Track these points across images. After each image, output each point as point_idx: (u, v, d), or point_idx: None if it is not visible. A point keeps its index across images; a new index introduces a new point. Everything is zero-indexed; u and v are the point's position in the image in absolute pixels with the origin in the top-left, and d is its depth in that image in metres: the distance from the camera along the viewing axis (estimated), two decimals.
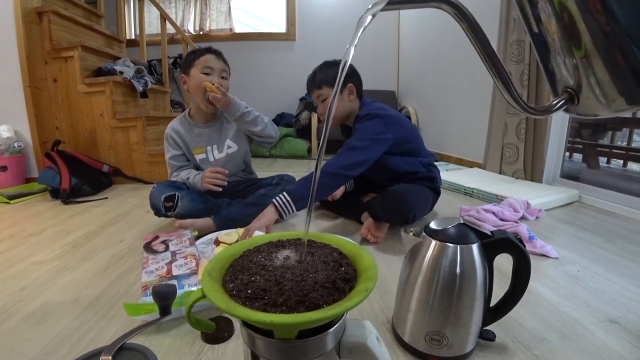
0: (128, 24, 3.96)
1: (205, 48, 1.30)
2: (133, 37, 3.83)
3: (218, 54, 1.29)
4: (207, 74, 1.25)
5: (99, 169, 2.13)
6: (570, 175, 2.13)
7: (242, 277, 0.28)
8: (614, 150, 2.77)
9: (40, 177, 1.88)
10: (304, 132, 3.33)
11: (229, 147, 1.37)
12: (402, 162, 1.25)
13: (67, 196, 1.78)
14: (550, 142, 2.05)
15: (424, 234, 0.55)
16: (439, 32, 3.18)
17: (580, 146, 2.62)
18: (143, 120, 2.11)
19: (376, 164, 1.15)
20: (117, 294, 0.87)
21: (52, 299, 0.85)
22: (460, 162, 2.80)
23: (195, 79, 1.25)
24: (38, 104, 2.10)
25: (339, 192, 1.35)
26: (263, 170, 2.58)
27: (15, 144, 2.06)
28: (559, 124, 2.05)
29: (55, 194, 1.82)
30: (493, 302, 0.58)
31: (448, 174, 2.25)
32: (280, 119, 3.65)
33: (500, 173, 2.23)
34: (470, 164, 2.62)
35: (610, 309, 0.78)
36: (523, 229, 1.18)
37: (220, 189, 1.21)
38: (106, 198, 1.86)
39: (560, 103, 0.34)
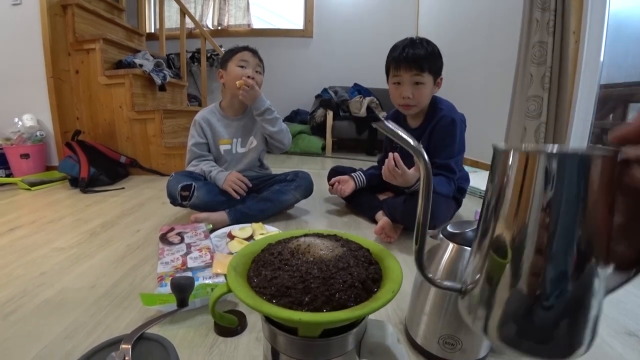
0: (148, 17, 4.01)
1: (243, 46, 1.38)
2: (153, 30, 3.87)
3: (254, 52, 1.37)
4: (242, 66, 1.31)
5: (116, 160, 2.17)
6: None
7: (266, 272, 0.28)
8: None
9: (60, 166, 1.93)
10: (318, 129, 3.33)
11: (251, 142, 1.41)
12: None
13: (85, 185, 1.81)
14: (570, 147, 2.00)
15: (441, 236, 0.54)
16: (456, 32, 3.14)
17: None
18: (161, 113, 2.14)
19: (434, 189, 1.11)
20: (132, 283, 0.88)
21: (70, 285, 0.87)
22: (476, 164, 2.76)
23: (232, 72, 1.32)
24: (60, 94, 2.15)
25: (348, 189, 1.34)
26: (277, 166, 2.59)
27: (38, 133, 2.11)
28: (580, 128, 2.00)
29: (74, 182, 1.87)
30: None
31: None
32: (295, 116, 3.66)
33: None
34: (486, 167, 2.58)
35: (629, 320, 0.76)
36: None
37: (238, 197, 1.26)
38: (123, 188, 1.89)
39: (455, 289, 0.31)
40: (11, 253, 1.06)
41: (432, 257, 0.55)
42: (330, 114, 3.21)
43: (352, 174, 1.38)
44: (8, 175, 2.06)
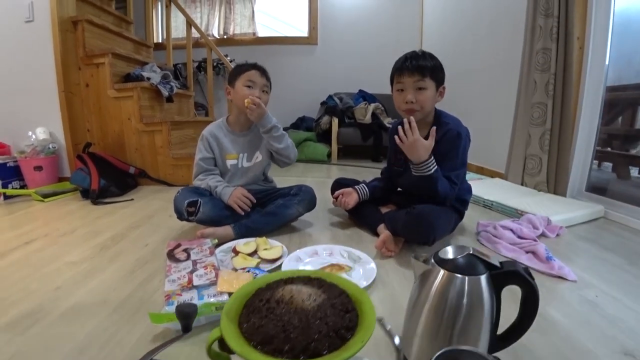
0: (156, 27, 4.09)
1: (251, 64, 1.39)
2: (160, 40, 3.95)
3: (262, 71, 1.39)
4: (249, 86, 1.34)
5: (125, 171, 2.22)
6: (597, 187, 2.06)
7: (254, 319, 0.31)
8: None
9: (72, 178, 1.99)
10: (324, 136, 3.36)
11: (257, 157, 1.45)
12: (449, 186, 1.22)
13: (95, 197, 1.87)
14: (575, 155, 1.99)
15: (433, 261, 0.57)
16: (460, 37, 3.14)
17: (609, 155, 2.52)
18: (168, 124, 2.19)
19: (426, 180, 1.15)
20: (141, 298, 0.92)
21: (83, 299, 0.91)
22: (481, 171, 2.76)
23: (239, 91, 1.34)
24: (71, 107, 2.21)
25: (352, 202, 1.36)
26: (282, 174, 2.61)
27: (50, 145, 2.18)
28: (585, 134, 1.98)
29: (86, 194, 1.93)
30: (503, 328, 0.59)
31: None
32: (301, 123, 3.70)
33: (522, 185, 2.17)
34: (492, 174, 2.58)
35: (627, 339, 0.76)
36: (541, 249, 1.15)
37: (242, 213, 1.29)
38: (132, 200, 1.94)
39: None
40: (27, 266, 1.11)
41: (424, 282, 0.57)
42: (335, 121, 3.24)
43: (356, 187, 1.40)
44: (22, 187, 2.13)
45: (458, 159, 1.22)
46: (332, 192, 1.51)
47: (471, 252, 0.56)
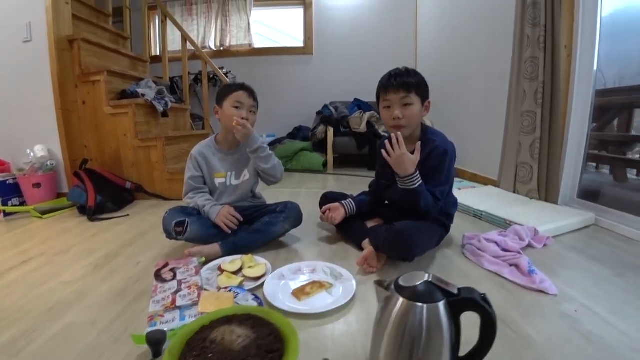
0: (154, 41, 4.16)
1: (239, 84, 1.42)
2: (158, 53, 4.01)
3: (250, 92, 1.42)
4: (237, 107, 1.37)
5: (122, 186, 2.26)
6: (593, 191, 2.07)
7: (189, 359, 0.34)
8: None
9: (69, 195, 2.03)
10: (320, 146, 3.40)
11: (245, 175, 1.47)
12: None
13: (92, 213, 1.91)
14: (566, 162, 2.00)
15: (393, 288, 0.59)
16: (454, 46, 3.17)
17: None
18: (163, 141, 2.23)
19: (410, 194, 1.17)
20: (129, 318, 0.95)
21: (74, 320, 0.95)
22: (475, 178, 2.77)
23: (227, 111, 1.38)
24: (69, 124, 2.26)
25: (338, 217, 1.38)
26: (277, 186, 2.61)
27: (48, 162, 2.22)
28: (576, 141, 1.99)
29: (83, 210, 1.97)
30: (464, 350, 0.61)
31: (460, 193, 2.23)
32: (298, 133, 3.73)
33: (514, 192, 2.19)
34: (485, 181, 2.59)
35: (603, 359, 0.75)
36: (523, 262, 1.16)
37: (229, 231, 1.32)
38: (127, 215, 1.98)
39: None
40: (23, 287, 1.15)
41: (386, 307, 0.59)
42: (331, 131, 3.27)
43: (343, 202, 1.42)
44: (22, 204, 2.18)
45: (443, 175, 1.24)
46: (321, 206, 1.53)
47: (430, 280, 0.58)
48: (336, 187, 2.70)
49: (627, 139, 2.61)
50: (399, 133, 1.16)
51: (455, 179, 2.74)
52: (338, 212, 1.39)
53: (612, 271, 1.19)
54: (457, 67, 3.08)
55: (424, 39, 3.88)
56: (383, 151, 1.18)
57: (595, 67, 1.90)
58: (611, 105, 2.41)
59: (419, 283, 0.58)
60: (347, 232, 1.42)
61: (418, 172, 1.16)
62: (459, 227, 1.67)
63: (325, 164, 3.33)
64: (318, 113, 3.58)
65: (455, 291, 0.58)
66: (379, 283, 0.61)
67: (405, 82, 1.19)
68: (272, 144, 3.50)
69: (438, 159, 1.23)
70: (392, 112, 1.22)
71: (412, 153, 1.16)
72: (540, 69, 2.01)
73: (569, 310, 0.94)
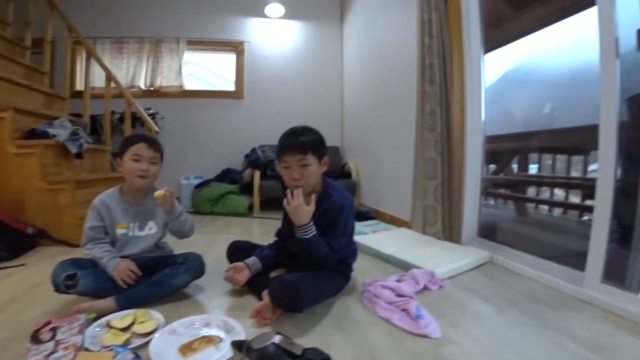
0: (80, 75, 4.02)
1: (139, 136, 1.42)
2: (83, 88, 3.87)
3: (150, 143, 1.40)
4: (136, 160, 1.36)
5: (22, 231, 2.09)
6: (493, 228, 2.35)
7: None
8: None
9: None
10: (247, 188, 3.44)
11: (150, 228, 1.45)
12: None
13: None
14: (465, 204, 2.23)
15: (245, 350, 0.65)
16: (375, 97, 3.47)
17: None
18: (73, 184, 2.14)
19: (304, 243, 1.24)
20: None
21: None
22: (393, 220, 2.97)
23: (127, 165, 1.37)
24: None
25: (243, 279, 1.39)
26: (201, 229, 2.57)
27: None
28: (473, 184, 2.25)
29: None
30: None
31: (373, 236, 2.38)
32: (226, 175, 3.75)
33: (423, 233, 2.36)
34: (401, 223, 2.76)
35: None
36: (412, 307, 1.21)
37: (125, 286, 1.28)
38: (23, 265, 1.83)
39: None
40: None
41: None
42: (257, 174, 3.35)
43: (248, 262, 1.43)
44: None
45: (340, 228, 1.34)
46: (228, 255, 1.56)
47: (276, 342, 0.65)
48: (260, 231, 2.73)
49: (523, 178, 3.07)
50: (299, 190, 1.27)
51: (373, 222, 2.93)
52: (243, 273, 1.40)
53: (496, 308, 1.31)
54: (376, 115, 3.37)
55: (349, 88, 4.21)
56: (284, 200, 1.27)
57: (483, 118, 2.21)
58: (504, 150, 2.83)
59: (267, 344, 0.65)
60: (250, 282, 1.42)
61: (312, 223, 1.26)
62: (368, 271, 1.76)
63: (250, 207, 3.36)
64: (246, 156, 3.66)
65: (300, 352, 0.65)
66: (235, 344, 0.67)
67: (300, 143, 1.30)
68: (198, 187, 3.48)
69: (335, 213, 1.33)
70: (292, 173, 1.31)
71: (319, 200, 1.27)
72: (439, 121, 2.27)
73: (447, 353, 1.00)
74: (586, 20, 1.43)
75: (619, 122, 1.36)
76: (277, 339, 0.65)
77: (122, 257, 1.37)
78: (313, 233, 1.26)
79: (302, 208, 1.24)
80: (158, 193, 1.32)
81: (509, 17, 2.46)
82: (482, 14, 2.21)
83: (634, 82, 1.40)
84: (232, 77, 4.27)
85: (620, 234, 1.44)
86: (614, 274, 1.40)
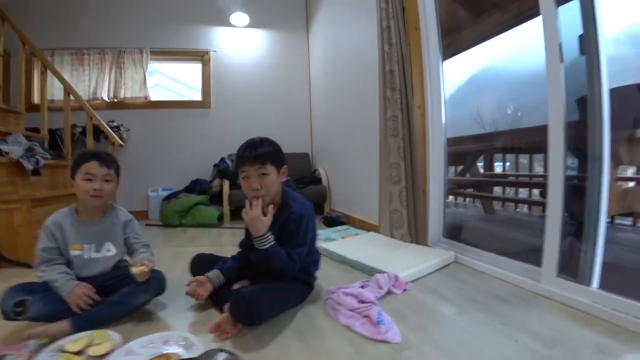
0: (37, 87, 3.87)
1: (91, 153, 1.36)
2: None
3: (102, 160, 1.33)
4: (89, 179, 1.30)
5: None
6: (460, 228, 2.41)
7: None
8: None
9: None
10: (216, 198, 3.40)
11: (108, 249, 1.39)
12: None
13: None
14: (430, 206, 2.28)
15: None
16: (339, 105, 3.52)
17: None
18: (28, 203, 2.05)
19: (263, 253, 1.24)
20: None
21: None
22: (362, 224, 3.00)
23: (79, 186, 1.31)
24: None
25: (205, 293, 1.37)
26: (170, 242, 2.53)
27: None
28: (436, 186, 2.30)
29: None
30: None
31: (341, 242, 2.39)
32: (195, 186, 3.69)
33: (391, 237, 2.40)
34: (371, 227, 2.80)
35: None
36: (374, 313, 1.21)
37: (79, 311, 1.22)
38: None
39: None
40: None
41: None
42: (226, 184, 3.31)
43: (210, 275, 1.41)
44: None
45: (300, 238, 1.34)
46: (191, 268, 1.53)
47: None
48: (230, 241, 2.69)
49: (486, 178, 3.19)
50: (259, 200, 1.28)
51: (342, 228, 2.94)
52: (204, 287, 1.38)
53: (457, 309, 1.34)
54: (344, 121, 3.42)
55: (317, 97, 4.25)
56: (243, 211, 1.27)
57: (444, 122, 2.27)
58: (469, 151, 2.93)
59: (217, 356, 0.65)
60: (212, 295, 1.40)
61: (269, 234, 1.27)
62: (333, 278, 1.76)
63: (220, 218, 3.32)
64: (215, 166, 3.62)
65: None
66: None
67: (259, 154, 1.30)
68: (167, 198, 3.41)
69: (295, 223, 1.34)
70: (251, 183, 1.31)
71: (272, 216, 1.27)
72: (400, 126, 2.33)
73: (406, 358, 1.01)
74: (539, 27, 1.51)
75: (566, 122, 1.43)
76: (220, 356, 0.65)
77: (79, 279, 1.31)
78: (271, 244, 1.26)
79: (259, 219, 1.25)
80: (137, 270, 1.26)
81: (469, 23, 2.55)
82: (439, 21, 2.29)
83: (580, 84, 1.47)
84: (200, 86, 4.23)
85: (573, 229, 1.51)
86: (568, 267, 1.47)
